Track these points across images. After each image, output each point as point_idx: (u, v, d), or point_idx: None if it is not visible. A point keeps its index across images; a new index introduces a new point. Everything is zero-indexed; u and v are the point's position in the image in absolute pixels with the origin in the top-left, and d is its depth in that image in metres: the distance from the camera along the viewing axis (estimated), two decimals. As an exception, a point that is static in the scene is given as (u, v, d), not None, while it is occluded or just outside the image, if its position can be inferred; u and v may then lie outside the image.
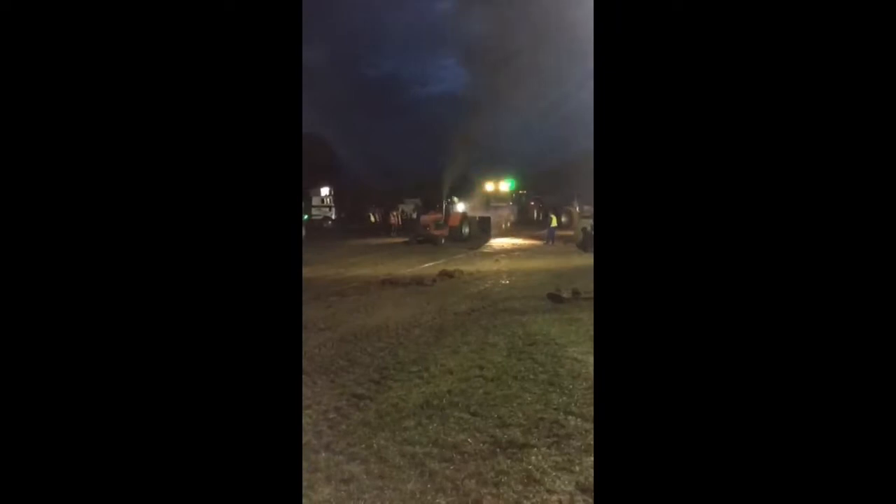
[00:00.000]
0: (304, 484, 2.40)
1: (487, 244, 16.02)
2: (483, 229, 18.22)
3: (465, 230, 17.66)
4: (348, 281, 8.95)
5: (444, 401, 3.36)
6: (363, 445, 2.76)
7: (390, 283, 8.56)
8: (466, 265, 10.54)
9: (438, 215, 18.05)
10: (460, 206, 19.01)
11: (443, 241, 16.12)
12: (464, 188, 22.26)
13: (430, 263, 11.16)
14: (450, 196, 19.67)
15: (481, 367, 3.99)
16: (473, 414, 3.13)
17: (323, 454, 2.68)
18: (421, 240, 16.32)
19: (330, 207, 25.48)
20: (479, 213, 19.38)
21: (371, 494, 2.31)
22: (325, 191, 25.67)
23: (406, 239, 17.14)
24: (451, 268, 9.81)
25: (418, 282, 8.45)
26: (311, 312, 6.33)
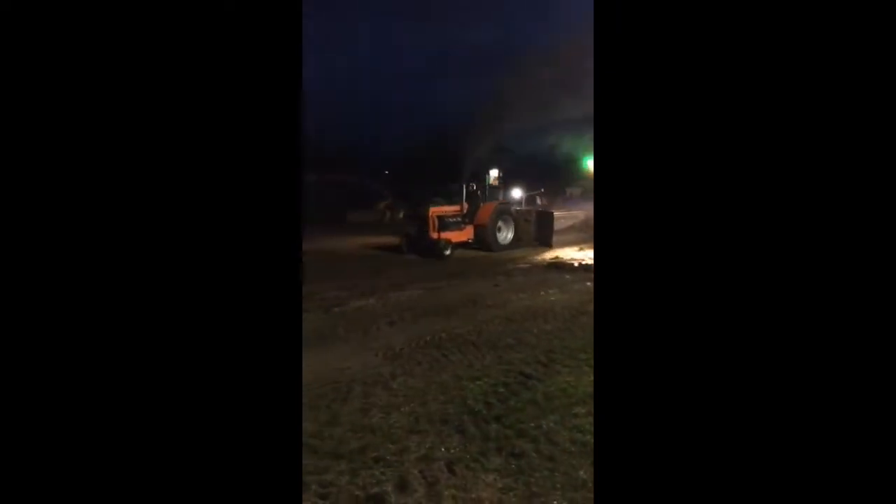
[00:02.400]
0: (476, 450, 2.51)
1: (531, 259, 9.33)
2: (540, 232, 10.98)
3: (507, 234, 10.71)
4: (514, 261, 9.05)
5: (617, 394, 3.18)
6: (532, 424, 2.77)
7: (556, 267, 8.41)
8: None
9: (453, 208, 10.54)
10: (515, 192, 11.82)
11: (448, 251, 9.41)
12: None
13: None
14: (483, 174, 11.43)
15: (659, 366, 3.68)
16: (650, 414, 2.90)
17: (493, 425, 2.76)
18: (425, 248, 9.73)
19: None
20: (537, 206, 12.53)
21: (541, 474, 2.31)
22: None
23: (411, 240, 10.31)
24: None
25: (586, 268, 8.14)
26: (478, 290, 6.58)
